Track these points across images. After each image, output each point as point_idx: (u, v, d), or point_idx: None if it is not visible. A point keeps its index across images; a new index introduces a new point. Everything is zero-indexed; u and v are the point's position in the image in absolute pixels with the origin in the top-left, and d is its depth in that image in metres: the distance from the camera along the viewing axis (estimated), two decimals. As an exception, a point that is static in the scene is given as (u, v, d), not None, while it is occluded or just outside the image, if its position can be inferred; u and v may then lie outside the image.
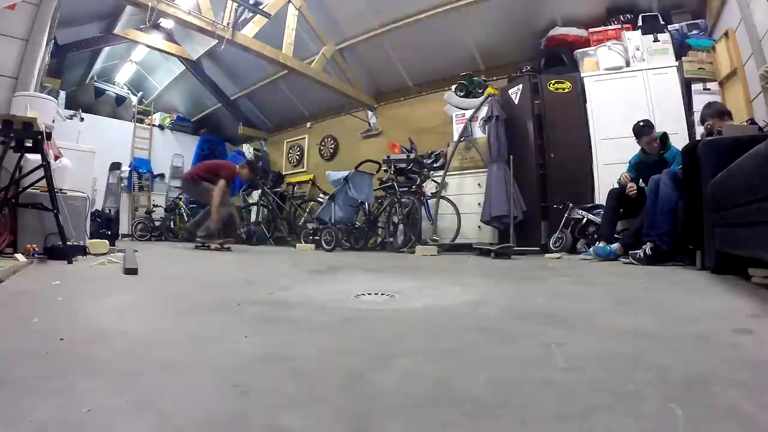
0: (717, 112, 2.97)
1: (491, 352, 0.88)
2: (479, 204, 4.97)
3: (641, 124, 3.62)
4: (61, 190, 3.22)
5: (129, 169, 9.06)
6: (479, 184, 5.10)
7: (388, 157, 5.35)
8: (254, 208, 7.55)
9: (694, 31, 4.51)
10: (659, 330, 1.04)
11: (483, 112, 5.18)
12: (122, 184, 8.96)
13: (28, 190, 2.94)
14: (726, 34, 3.80)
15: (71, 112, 8.00)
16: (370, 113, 7.73)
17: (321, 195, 6.67)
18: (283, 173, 9.00)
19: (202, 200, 5.32)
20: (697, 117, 4.04)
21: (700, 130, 3.56)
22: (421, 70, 6.96)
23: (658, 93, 4.36)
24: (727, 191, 1.84)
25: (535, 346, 0.90)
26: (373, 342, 0.97)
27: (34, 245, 2.89)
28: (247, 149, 9.66)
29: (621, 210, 3.69)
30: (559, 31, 5.22)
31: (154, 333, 1.07)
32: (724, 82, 3.96)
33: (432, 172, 5.45)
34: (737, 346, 0.89)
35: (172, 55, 8.05)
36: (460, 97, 5.64)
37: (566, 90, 4.84)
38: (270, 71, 7.88)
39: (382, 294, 1.63)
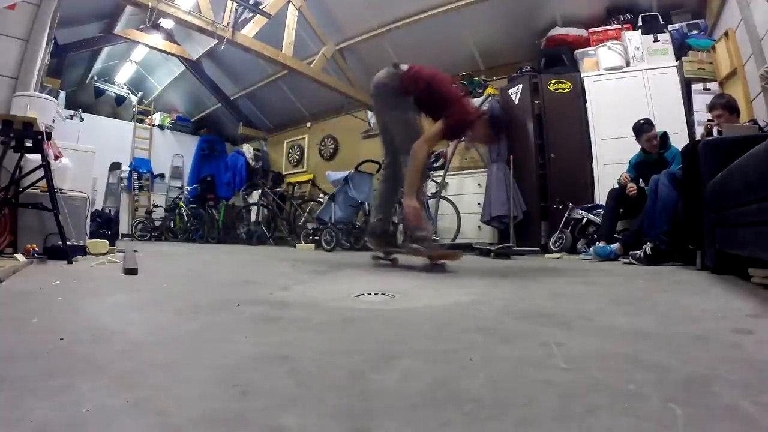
0: (728, 104, 2.96)
1: (491, 351, 0.88)
2: (479, 204, 4.97)
3: (641, 122, 3.64)
4: (61, 190, 3.22)
5: (129, 169, 9.07)
6: (479, 184, 5.11)
7: (389, 157, 5.35)
8: (254, 208, 7.56)
9: (694, 31, 4.51)
10: (659, 330, 1.04)
11: (483, 112, 5.19)
12: (122, 184, 8.97)
13: (28, 190, 2.94)
14: (726, 34, 3.80)
15: (71, 112, 8.00)
16: (370, 113, 7.72)
17: (321, 195, 6.68)
18: (283, 173, 9.01)
19: (398, 138, 2.72)
20: (697, 117, 4.05)
21: (700, 130, 3.56)
22: (421, 69, 6.96)
23: (658, 93, 4.37)
24: (727, 191, 1.83)
25: (535, 346, 0.90)
26: (373, 342, 0.97)
27: (34, 245, 2.89)
28: (247, 149, 9.67)
29: (621, 210, 3.69)
30: (559, 31, 5.23)
31: (153, 333, 1.06)
32: (724, 82, 3.96)
33: (432, 172, 5.45)
34: (737, 346, 0.88)
35: (172, 55, 8.05)
36: (460, 97, 5.63)
37: (566, 90, 4.84)
38: (270, 71, 7.89)
39: (382, 294, 1.63)
